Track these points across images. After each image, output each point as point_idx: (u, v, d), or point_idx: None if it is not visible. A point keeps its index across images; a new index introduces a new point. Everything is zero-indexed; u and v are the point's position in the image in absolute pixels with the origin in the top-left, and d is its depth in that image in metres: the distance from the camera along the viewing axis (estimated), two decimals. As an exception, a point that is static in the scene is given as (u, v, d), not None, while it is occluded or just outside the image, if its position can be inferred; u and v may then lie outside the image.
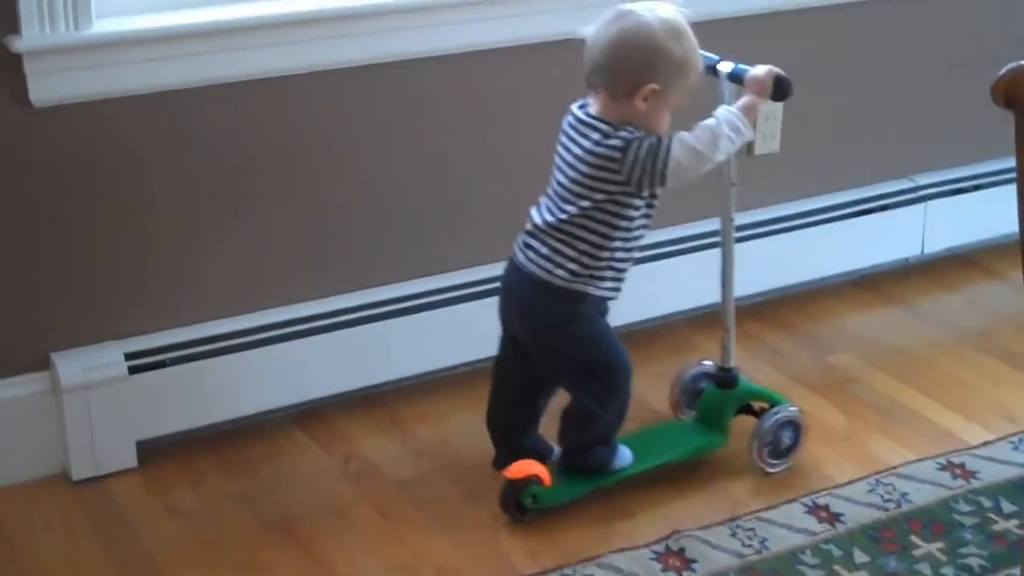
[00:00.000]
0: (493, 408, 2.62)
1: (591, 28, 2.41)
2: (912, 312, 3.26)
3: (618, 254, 2.44)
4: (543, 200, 2.45)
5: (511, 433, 2.60)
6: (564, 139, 2.43)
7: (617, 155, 2.35)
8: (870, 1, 3.11)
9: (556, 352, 2.50)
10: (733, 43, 2.59)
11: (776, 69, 2.42)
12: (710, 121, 2.39)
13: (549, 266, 2.42)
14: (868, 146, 3.29)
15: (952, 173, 3.40)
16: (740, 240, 2.68)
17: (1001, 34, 3.26)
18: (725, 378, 2.67)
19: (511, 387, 2.58)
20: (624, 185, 2.36)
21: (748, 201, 2.89)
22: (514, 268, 2.49)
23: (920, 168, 3.38)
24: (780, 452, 2.66)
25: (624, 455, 2.58)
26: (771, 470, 2.64)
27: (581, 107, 2.44)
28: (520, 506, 2.49)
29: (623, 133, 2.35)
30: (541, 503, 2.51)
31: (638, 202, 2.39)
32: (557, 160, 2.43)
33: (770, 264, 3.16)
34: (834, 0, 3.05)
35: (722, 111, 2.42)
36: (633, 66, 2.36)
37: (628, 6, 2.41)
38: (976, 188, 3.41)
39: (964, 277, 3.41)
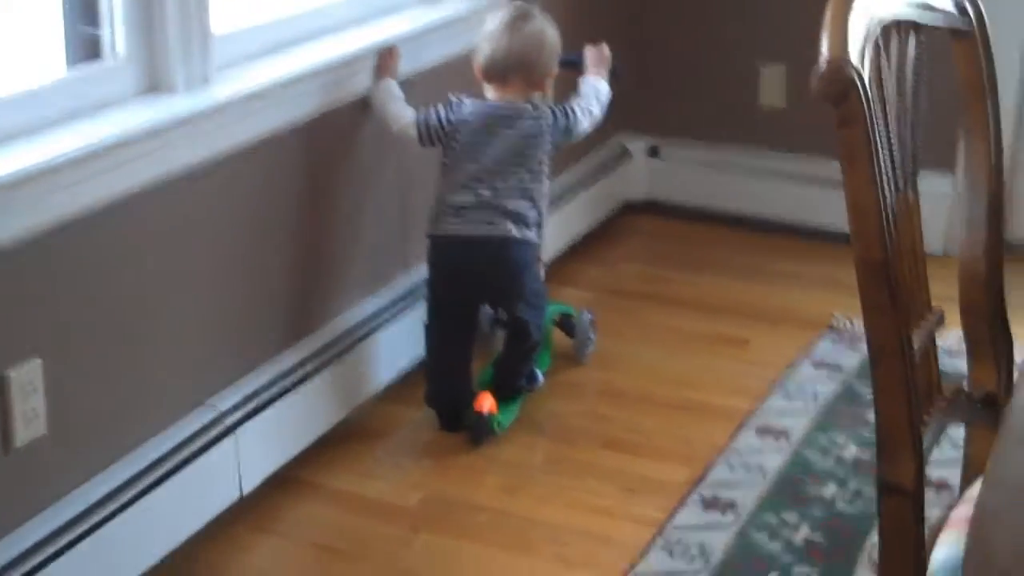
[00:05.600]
0: (438, 380, 3.13)
1: (495, 32, 3.04)
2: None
3: (545, 202, 3.11)
4: (458, 185, 3.01)
5: (460, 387, 3.12)
6: (483, 128, 3.02)
7: (547, 127, 3.05)
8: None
9: (520, 293, 3.09)
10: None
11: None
12: (589, 90, 3.19)
13: (509, 225, 3.00)
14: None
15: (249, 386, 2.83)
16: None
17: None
18: None
19: (456, 350, 3.13)
20: (553, 148, 3.08)
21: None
22: (461, 242, 3.01)
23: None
24: None
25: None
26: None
27: (478, 100, 3.04)
28: (491, 433, 3.07)
29: (544, 110, 3.06)
30: (503, 427, 3.12)
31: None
32: (476, 146, 3.01)
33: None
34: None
35: (590, 80, 3.21)
36: (544, 59, 3.09)
37: (514, 10, 3.07)
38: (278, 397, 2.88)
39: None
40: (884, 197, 1.61)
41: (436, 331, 3.13)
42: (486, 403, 3.09)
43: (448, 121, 3.05)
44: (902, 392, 1.66)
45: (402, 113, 3.06)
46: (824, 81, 1.58)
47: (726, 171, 4.40)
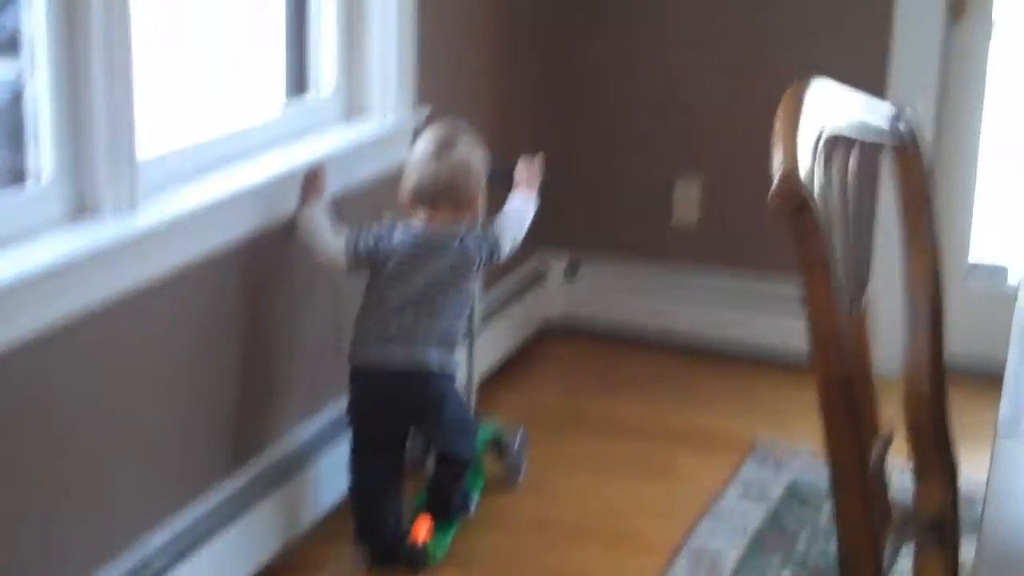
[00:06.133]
0: (367, 514, 3.07)
1: (422, 159, 3.07)
2: None
3: (476, 317, 3.25)
4: (384, 313, 3.00)
5: (390, 519, 3.07)
6: (412, 257, 3.02)
7: (475, 254, 3.06)
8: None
9: (443, 423, 3.08)
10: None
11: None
12: (515, 213, 3.21)
13: (431, 355, 3.01)
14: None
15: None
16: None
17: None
18: None
19: (384, 482, 3.07)
20: (477, 271, 3.13)
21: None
22: (382, 372, 3.00)
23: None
24: None
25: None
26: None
27: (409, 226, 3.06)
28: (427, 562, 3.04)
29: (470, 239, 3.07)
30: (437, 556, 3.09)
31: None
32: (404, 275, 3.01)
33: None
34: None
35: (518, 200, 3.23)
36: (472, 185, 3.11)
37: (439, 135, 3.11)
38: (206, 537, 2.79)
39: None
40: (841, 313, 1.62)
41: (362, 463, 3.08)
42: (422, 530, 3.06)
43: (377, 250, 3.04)
44: (863, 512, 1.66)
45: (330, 243, 3.03)
46: (780, 196, 1.58)
47: (644, 288, 4.42)
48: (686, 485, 3.51)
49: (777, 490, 3.47)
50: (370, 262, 3.04)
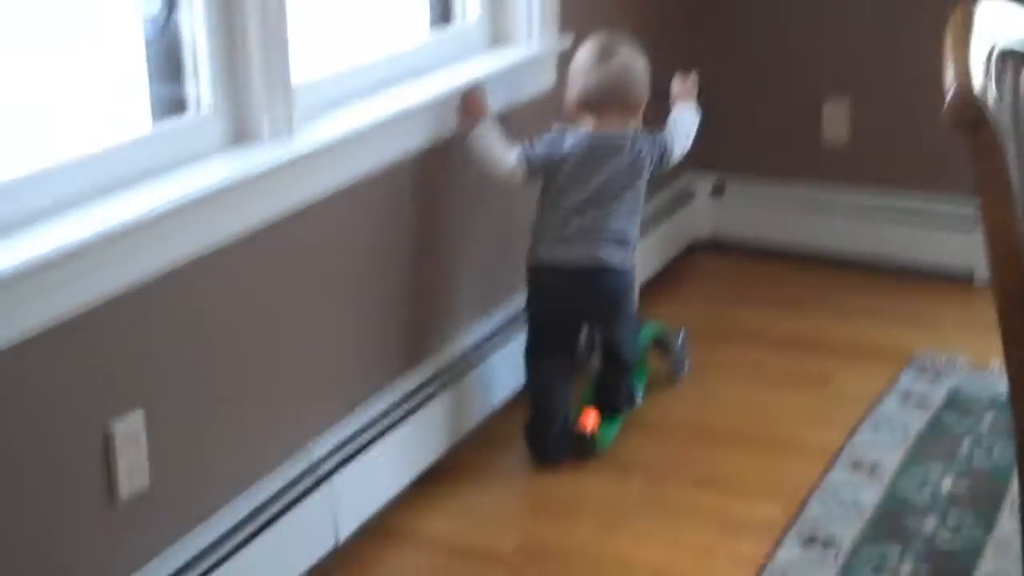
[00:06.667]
0: (540, 408, 3.16)
1: (586, 65, 3.11)
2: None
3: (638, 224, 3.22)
4: (562, 215, 3.08)
5: (560, 413, 3.15)
6: (586, 159, 3.08)
7: (647, 155, 3.12)
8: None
9: (618, 319, 3.19)
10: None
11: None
12: (681, 120, 3.27)
13: (610, 252, 3.09)
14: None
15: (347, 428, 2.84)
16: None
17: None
18: None
19: (558, 375, 3.17)
20: (649, 173, 3.14)
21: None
22: (562, 270, 3.10)
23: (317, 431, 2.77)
24: None
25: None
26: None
27: (578, 131, 3.10)
28: (594, 450, 3.15)
29: (642, 139, 3.13)
30: (604, 445, 3.19)
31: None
32: (581, 177, 3.07)
33: None
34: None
35: (681, 110, 3.29)
36: (637, 89, 3.15)
37: (601, 43, 3.13)
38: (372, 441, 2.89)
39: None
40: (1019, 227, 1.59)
41: (538, 360, 3.19)
42: (590, 420, 3.16)
43: (550, 157, 3.11)
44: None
45: (504, 158, 3.10)
46: (955, 111, 1.56)
47: (791, 207, 4.38)
48: (844, 395, 3.49)
49: (937, 399, 3.43)
50: (544, 169, 3.11)
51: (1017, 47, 1.82)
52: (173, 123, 2.56)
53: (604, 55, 3.14)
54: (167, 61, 2.62)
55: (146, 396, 2.34)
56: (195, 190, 2.37)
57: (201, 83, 2.57)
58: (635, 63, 3.17)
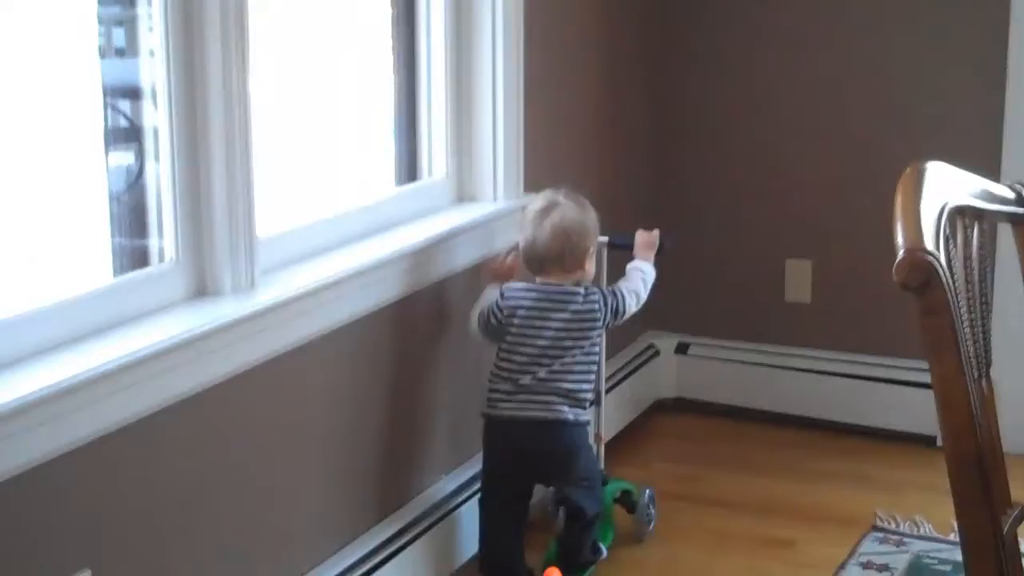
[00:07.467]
0: (491, 554, 3.17)
1: (525, 226, 3.18)
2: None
3: (602, 379, 3.28)
4: (515, 368, 3.09)
5: (512, 562, 3.17)
6: (536, 311, 3.11)
7: (599, 307, 3.14)
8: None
9: (574, 476, 3.16)
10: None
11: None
12: (636, 273, 3.28)
13: (564, 407, 3.08)
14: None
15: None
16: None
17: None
18: None
19: (509, 528, 3.17)
20: (602, 326, 3.16)
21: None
22: (516, 423, 3.09)
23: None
24: None
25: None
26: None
27: (529, 284, 3.16)
28: None
29: (593, 291, 3.16)
30: None
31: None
32: (530, 331, 3.10)
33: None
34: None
35: (637, 264, 3.32)
36: (572, 247, 3.15)
37: (542, 202, 3.17)
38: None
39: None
40: (971, 388, 1.59)
41: (490, 508, 3.19)
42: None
43: (499, 309, 3.15)
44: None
45: (472, 315, 3.21)
46: (905, 270, 1.57)
47: (754, 367, 4.39)
48: (807, 562, 3.45)
49: (899, 566, 3.41)
50: (497, 322, 3.15)
51: (971, 202, 1.84)
52: (135, 275, 2.56)
53: (538, 217, 3.17)
54: (132, 214, 2.63)
55: (94, 555, 2.28)
56: (155, 343, 2.37)
57: (165, 236, 2.59)
58: (571, 222, 3.17)
